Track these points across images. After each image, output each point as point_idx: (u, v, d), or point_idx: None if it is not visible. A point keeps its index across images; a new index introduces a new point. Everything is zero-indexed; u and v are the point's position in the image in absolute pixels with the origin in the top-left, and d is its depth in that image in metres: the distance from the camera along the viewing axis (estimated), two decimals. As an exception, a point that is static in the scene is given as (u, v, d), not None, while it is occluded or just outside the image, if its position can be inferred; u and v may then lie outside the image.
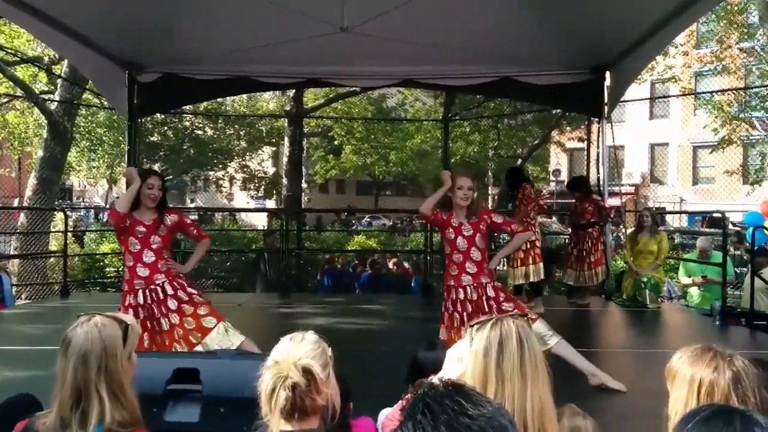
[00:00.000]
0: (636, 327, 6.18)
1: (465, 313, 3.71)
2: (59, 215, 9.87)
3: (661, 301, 6.94)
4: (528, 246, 6.05)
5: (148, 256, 3.84)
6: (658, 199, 24.23)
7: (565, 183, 7.29)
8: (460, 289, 3.76)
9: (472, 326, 1.50)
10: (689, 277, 7.41)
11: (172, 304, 3.80)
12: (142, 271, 3.82)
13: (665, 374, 1.59)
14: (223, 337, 3.78)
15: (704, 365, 1.53)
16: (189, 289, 3.90)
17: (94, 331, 1.69)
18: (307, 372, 1.52)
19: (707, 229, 13.89)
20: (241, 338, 3.81)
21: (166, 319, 3.78)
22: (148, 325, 3.77)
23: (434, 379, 1.28)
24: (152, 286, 3.81)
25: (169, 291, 3.82)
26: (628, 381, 3.75)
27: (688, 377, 1.52)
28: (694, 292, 7.33)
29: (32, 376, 3.84)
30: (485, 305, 3.70)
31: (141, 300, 3.80)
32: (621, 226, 8.65)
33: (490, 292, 3.74)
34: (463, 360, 1.52)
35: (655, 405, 1.69)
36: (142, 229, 3.85)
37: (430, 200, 3.85)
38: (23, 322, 6.20)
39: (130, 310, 3.77)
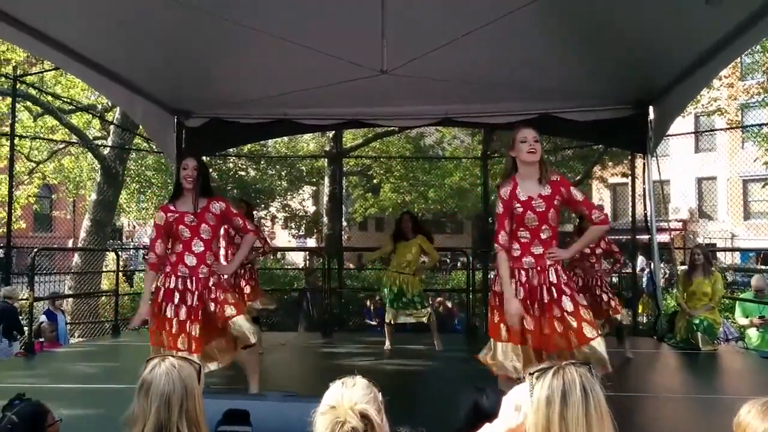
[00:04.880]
0: (691, 371, 5.92)
1: (527, 301, 3.18)
2: (111, 255, 10.17)
3: (718, 343, 6.62)
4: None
5: (198, 246, 3.72)
6: (708, 234, 23.41)
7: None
8: (522, 272, 3.21)
9: (532, 374, 1.46)
10: (747, 317, 7.06)
11: (214, 294, 3.71)
12: (190, 260, 3.71)
13: (733, 428, 1.51)
14: (248, 327, 3.70)
15: None
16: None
17: (174, 373, 1.75)
18: (364, 417, 1.50)
19: (762, 267, 13.35)
20: (254, 339, 3.74)
21: (212, 303, 3.70)
22: (188, 301, 3.66)
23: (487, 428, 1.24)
24: (196, 278, 3.70)
25: (212, 282, 3.74)
26: (688, 429, 3.57)
27: None
28: (753, 333, 6.98)
29: (87, 415, 3.90)
30: (544, 293, 3.16)
31: (180, 286, 3.69)
32: (670, 263, 8.36)
33: (552, 278, 3.18)
34: (521, 408, 1.48)
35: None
36: (191, 217, 3.73)
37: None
38: (77, 360, 6.33)
39: (162, 291, 3.70)
